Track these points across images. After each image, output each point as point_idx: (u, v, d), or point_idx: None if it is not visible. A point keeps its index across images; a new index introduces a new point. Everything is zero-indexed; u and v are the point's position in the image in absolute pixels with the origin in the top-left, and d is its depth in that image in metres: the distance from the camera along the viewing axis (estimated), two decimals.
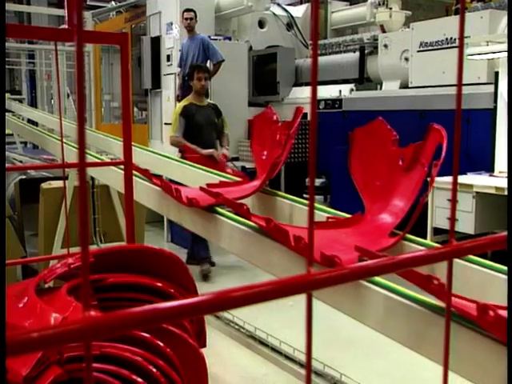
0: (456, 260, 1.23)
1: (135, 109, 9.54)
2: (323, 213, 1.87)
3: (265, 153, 2.25)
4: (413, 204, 1.61)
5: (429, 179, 1.53)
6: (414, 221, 1.49)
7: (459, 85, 0.63)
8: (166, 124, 7.90)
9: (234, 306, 0.46)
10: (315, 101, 0.51)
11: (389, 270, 0.54)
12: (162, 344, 1.65)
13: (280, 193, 2.15)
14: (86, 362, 0.37)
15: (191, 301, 0.43)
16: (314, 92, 0.51)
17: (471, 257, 1.44)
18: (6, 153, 7.52)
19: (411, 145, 1.63)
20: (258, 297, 0.47)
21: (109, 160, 3.29)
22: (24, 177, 4.91)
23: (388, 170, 1.74)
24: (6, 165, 6.24)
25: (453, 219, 0.60)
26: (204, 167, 2.60)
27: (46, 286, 1.78)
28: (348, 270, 0.54)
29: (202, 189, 2.04)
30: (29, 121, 6.77)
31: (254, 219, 1.65)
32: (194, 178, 2.50)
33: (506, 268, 1.36)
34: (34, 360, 1.28)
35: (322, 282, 0.52)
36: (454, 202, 0.59)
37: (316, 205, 1.91)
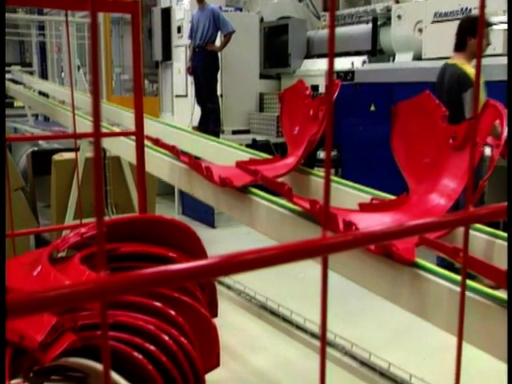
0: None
1: (146, 81, 9.50)
2: (365, 194, 1.78)
3: (296, 128, 2.17)
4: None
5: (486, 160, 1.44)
6: (474, 204, 1.42)
7: (478, 56, 0.62)
8: (177, 96, 7.87)
9: (247, 268, 0.46)
10: (332, 73, 0.50)
11: (409, 233, 0.53)
12: (174, 313, 1.67)
13: (315, 171, 2.07)
14: (102, 318, 0.37)
15: (203, 263, 0.43)
16: (331, 64, 0.50)
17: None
18: (18, 125, 7.54)
19: (464, 122, 1.54)
20: (270, 260, 0.46)
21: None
22: (36, 149, 4.92)
23: (436, 149, 1.63)
24: (18, 135, 6.25)
25: (471, 185, 0.59)
26: (218, 139, 2.58)
27: (59, 255, 1.79)
28: (366, 233, 0.53)
29: (238, 166, 1.98)
30: (40, 93, 6.76)
31: (296, 200, 1.54)
32: (207, 149, 2.49)
33: None
34: (49, 326, 1.30)
35: (338, 245, 0.51)
36: (471, 168, 0.58)
37: (357, 185, 1.86)
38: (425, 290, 1.19)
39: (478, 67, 0.59)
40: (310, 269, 3.57)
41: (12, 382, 1.45)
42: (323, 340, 0.57)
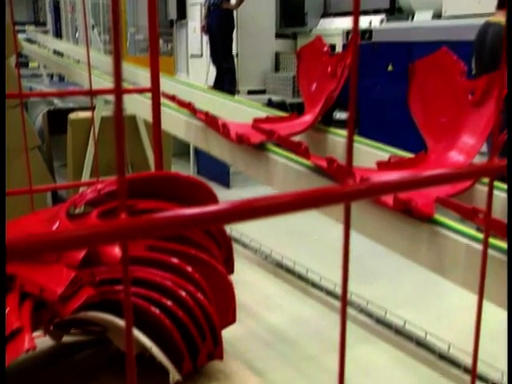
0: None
1: (160, 41, 9.42)
2: (383, 152, 1.75)
3: (314, 85, 2.14)
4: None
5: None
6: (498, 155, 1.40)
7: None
8: (191, 56, 7.79)
9: (262, 214, 0.44)
10: (357, 28, 0.48)
11: (432, 183, 0.52)
12: (190, 269, 1.68)
13: (332, 129, 2.04)
14: (123, 258, 0.36)
15: (217, 208, 0.42)
16: (356, 18, 0.48)
17: None
18: (34, 85, 7.53)
19: (483, 76, 1.51)
20: (287, 206, 0.44)
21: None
22: (51, 108, 4.93)
23: (455, 106, 1.60)
24: (35, 91, 6.25)
25: (497, 131, 0.57)
26: (234, 98, 2.56)
27: (76, 211, 1.80)
28: (387, 182, 0.52)
29: (253, 126, 1.96)
30: (54, 52, 6.74)
31: (314, 159, 1.52)
32: (223, 107, 2.47)
33: None
34: (68, 280, 1.32)
35: (360, 192, 0.50)
36: (497, 112, 0.57)
37: (374, 143, 1.84)
38: (443, 246, 1.19)
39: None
40: (324, 232, 3.59)
41: (34, 334, 1.48)
42: (344, 294, 0.56)
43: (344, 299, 0.56)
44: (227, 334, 1.80)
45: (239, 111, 2.35)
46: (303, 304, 2.42)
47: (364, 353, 1.86)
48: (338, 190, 0.48)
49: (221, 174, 6.15)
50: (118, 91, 0.41)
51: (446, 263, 1.19)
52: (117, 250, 1.38)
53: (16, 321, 1.27)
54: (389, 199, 1.23)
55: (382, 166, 1.61)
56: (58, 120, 4.57)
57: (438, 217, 1.20)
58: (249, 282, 2.56)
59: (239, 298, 1.95)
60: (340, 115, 6.61)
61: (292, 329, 2.22)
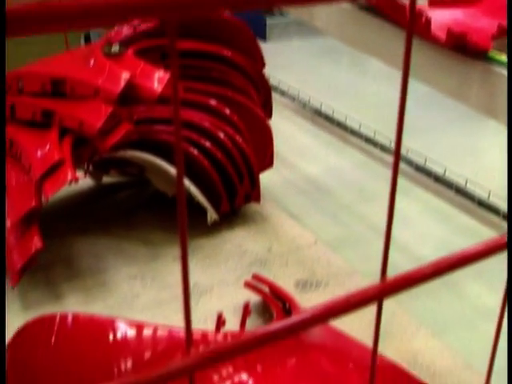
0: None
1: None
2: None
3: None
4: None
5: None
6: None
7: None
8: None
9: None
10: None
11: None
12: (229, 111, 1.65)
13: None
14: (174, 99, 0.32)
15: None
16: None
17: None
18: None
19: None
20: None
21: None
22: None
23: None
24: None
25: None
26: None
27: (112, 50, 1.76)
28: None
29: None
30: None
31: None
32: None
33: None
34: (107, 115, 1.30)
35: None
36: None
37: None
38: (497, 86, 1.12)
39: None
40: (361, 86, 3.48)
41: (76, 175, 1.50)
42: (398, 148, 0.52)
43: (398, 152, 0.52)
44: (263, 180, 1.80)
45: None
46: (340, 154, 2.40)
47: (403, 203, 1.86)
48: None
49: (257, 26, 5.92)
50: None
51: (498, 104, 1.13)
52: (155, 86, 1.34)
53: (57, 154, 1.28)
54: (441, 33, 1.15)
55: (435, 2, 1.50)
56: None
57: (494, 53, 1.12)
58: (285, 132, 2.54)
59: (275, 147, 1.94)
60: None
61: (328, 178, 2.23)
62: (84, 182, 1.92)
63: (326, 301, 0.44)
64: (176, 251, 1.51)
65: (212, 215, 1.59)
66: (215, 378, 0.79)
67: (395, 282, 0.50)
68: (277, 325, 0.41)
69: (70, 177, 1.23)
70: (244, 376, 0.80)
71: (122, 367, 0.77)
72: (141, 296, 1.34)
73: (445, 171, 1.86)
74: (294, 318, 0.44)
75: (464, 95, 1.19)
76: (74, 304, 1.30)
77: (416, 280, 0.51)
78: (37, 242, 1.26)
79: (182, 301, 0.38)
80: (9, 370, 0.83)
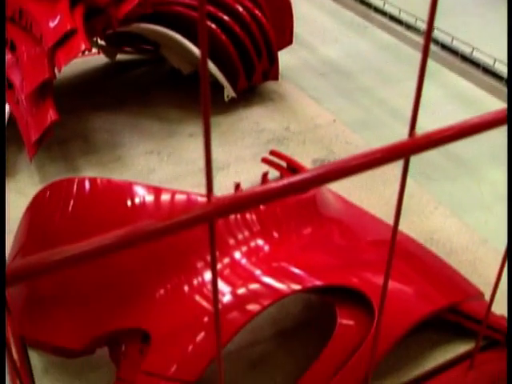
0: None
1: None
2: None
3: None
4: None
5: None
6: None
7: None
8: None
9: None
10: None
11: None
12: None
13: None
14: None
15: None
16: None
17: None
18: None
19: None
20: None
21: None
22: None
23: None
24: None
25: None
26: None
27: None
28: None
29: None
30: None
31: None
32: None
33: None
34: None
35: None
36: None
37: None
38: None
39: None
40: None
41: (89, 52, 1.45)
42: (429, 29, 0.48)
43: (428, 36, 0.47)
44: (282, 63, 1.75)
45: None
46: (362, 35, 2.31)
47: (426, 87, 1.79)
48: None
49: None
50: None
51: None
52: None
53: (69, 23, 1.24)
54: None
55: None
56: None
57: None
58: (304, 13, 2.43)
59: (294, 29, 1.86)
60: None
61: (348, 62, 2.15)
62: (98, 58, 1.88)
63: (351, 155, 0.42)
64: (192, 128, 1.50)
65: (229, 92, 1.56)
66: (231, 241, 0.79)
67: (423, 140, 0.47)
68: (295, 177, 0.39)
69: (83, 46, 1.19)
70: (260, 241, 0.81)
71: None
72: (157, 170, 1.34)
73: (472, 50, 1.78)
74: (316, 170, 0.42)
75: None
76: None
77: (442, 138, 0.48)
78: (52, 114, 1.25)
79: (204, 148, 0.36)
80: (26, 234, 0.84)
